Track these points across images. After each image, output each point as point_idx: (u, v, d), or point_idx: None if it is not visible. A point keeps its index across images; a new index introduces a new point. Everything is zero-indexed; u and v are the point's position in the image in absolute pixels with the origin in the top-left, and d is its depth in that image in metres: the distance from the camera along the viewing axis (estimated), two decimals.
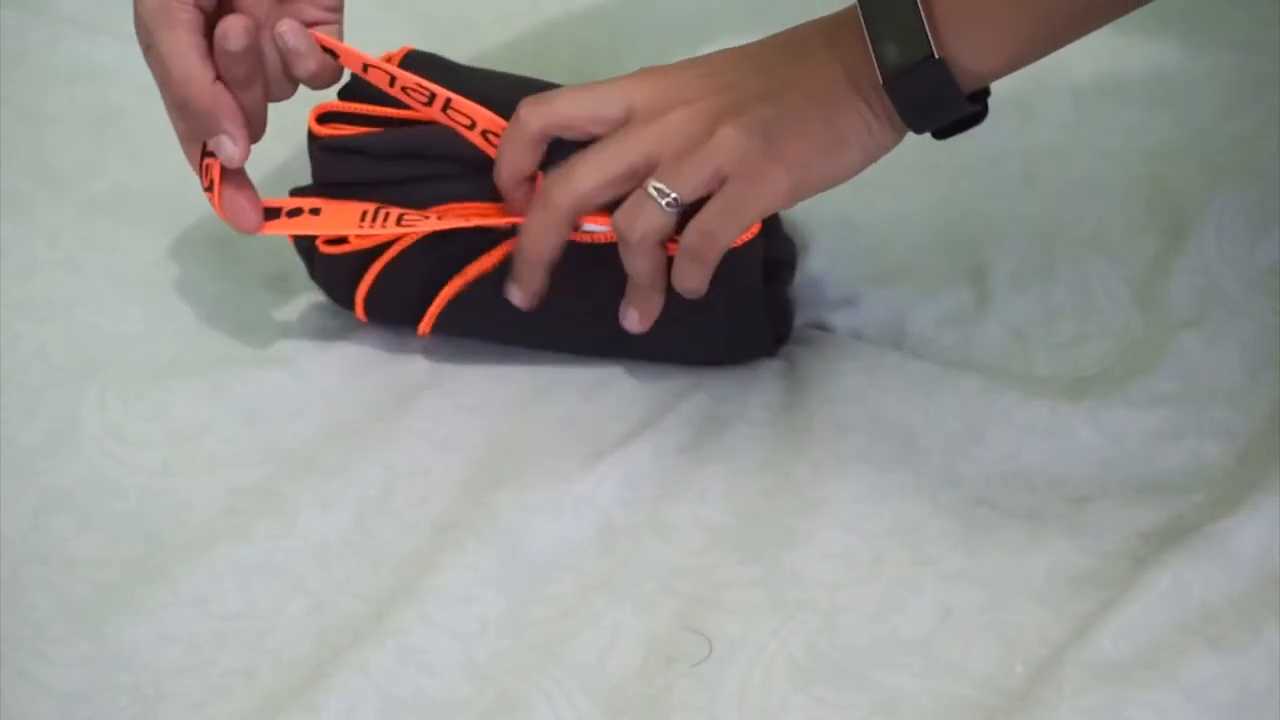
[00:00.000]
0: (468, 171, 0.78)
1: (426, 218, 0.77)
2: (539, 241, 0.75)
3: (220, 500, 0.76)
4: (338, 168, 0.79)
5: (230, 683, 0.70)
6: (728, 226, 0.74)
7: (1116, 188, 0.88)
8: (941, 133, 0.73)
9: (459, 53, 0.97)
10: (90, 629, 0.71)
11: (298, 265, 0.84)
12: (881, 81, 0.71)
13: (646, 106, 0.74)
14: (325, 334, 0.83)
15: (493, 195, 0.77)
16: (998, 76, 0.72)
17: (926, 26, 0.69)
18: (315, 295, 0.85)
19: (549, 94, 0.76)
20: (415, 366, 0.82)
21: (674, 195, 0.73)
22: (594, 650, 0.70)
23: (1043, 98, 0.92)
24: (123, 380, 0.81)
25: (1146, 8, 0.73)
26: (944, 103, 0.71)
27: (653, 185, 0.73)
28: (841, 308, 0.84)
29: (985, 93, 0.73)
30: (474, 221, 0.77)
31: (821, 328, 0.84)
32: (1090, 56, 0.93)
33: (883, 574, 0.72)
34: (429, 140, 0.78)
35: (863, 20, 0.71)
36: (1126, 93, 0.92)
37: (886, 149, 0.73)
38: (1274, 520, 0.70)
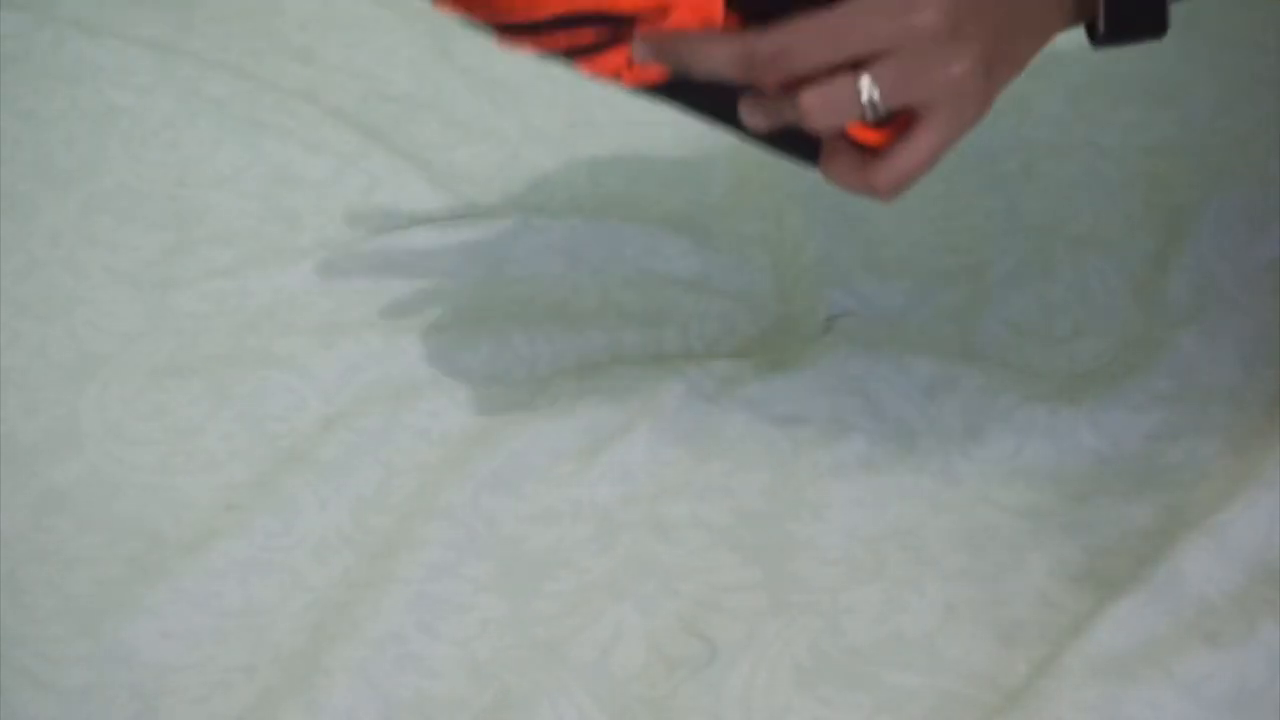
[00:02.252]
0: None
1: None
2: (701, 68, 0.69)
3: (219, 498, 0.76)
4: None
5: (231, 679, 0.70)
6: (929, 157, 0.70)
7: (1114, 185, 0.88)
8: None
9: (456, 52, 0.98)
10: (91, 627, 0.71)
11: (295, 263, 0.85)
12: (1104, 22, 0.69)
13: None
14: (324, 332, 0.83)
15: None
16: None
17: None
18: (313, 294, 0.85)
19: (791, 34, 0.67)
20: (413, 364, 0.82)
21: (882, 107, 0.68)
22: (596, 648, 0.70)
23: (1041, 95, 0.92)
24: (122, 379, 0.81)
25: None
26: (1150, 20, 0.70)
27: (867, 90, 0.67)
28: (841, 301, 0.84)
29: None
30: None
31: (821, 320, 0.84)
32: (1087, 54, 0.93)
33: (885, 574, 0.72)
34: None
35: None
36: (1124, 91, 0.92)
37: None
38: (1272, 514, 0.70)
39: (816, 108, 0.68)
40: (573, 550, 0.74)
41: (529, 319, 0.84)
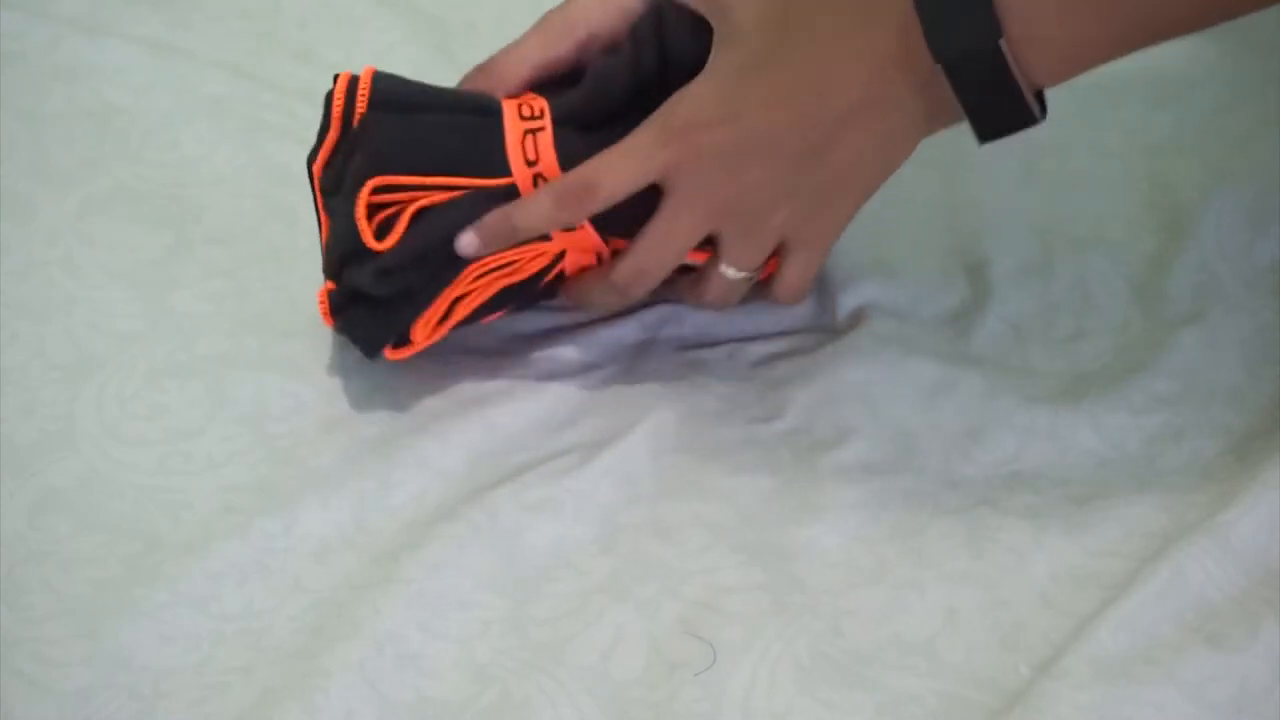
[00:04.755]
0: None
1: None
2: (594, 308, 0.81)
3: (218, 499, 0.76)
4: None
5: (229, 681, 0.69)
6: (805, 280, 0.77)
7: (1116, 184, 0.88)
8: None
9: (456, 51, 0.97)
10: (88, 628, 0.71)
11: (295, 263, 0.84)
12: (953, 89, 0.70)
13: (689, 184, 0.74)
14: (323, 332, 0.82)
15: None
16: (1057, 83, 0.71)
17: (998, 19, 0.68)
18: (312, 295, 0.85)
19: (586, 179, 0.74)
20: (413, 363, 0.81)
21: (750, 273, 0.77)
22: (596, 650, 0.70)
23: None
24: (120, 379, 0.81)
25: None
26: (1012, 111, 0.71)
27: (727, 269, 0.76)
28: (839, 301, 0.84)
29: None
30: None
31: (819, 321, 0.84)
32: None
33: (885, 577, 0.72)
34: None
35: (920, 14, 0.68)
36: (1126, 89, 0.92)
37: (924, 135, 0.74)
38: (1275, 515, 0.70)
39: (709, 299, 0.78)
40: (573, 552, 0.74)
41: (529, 319, 0.84)
